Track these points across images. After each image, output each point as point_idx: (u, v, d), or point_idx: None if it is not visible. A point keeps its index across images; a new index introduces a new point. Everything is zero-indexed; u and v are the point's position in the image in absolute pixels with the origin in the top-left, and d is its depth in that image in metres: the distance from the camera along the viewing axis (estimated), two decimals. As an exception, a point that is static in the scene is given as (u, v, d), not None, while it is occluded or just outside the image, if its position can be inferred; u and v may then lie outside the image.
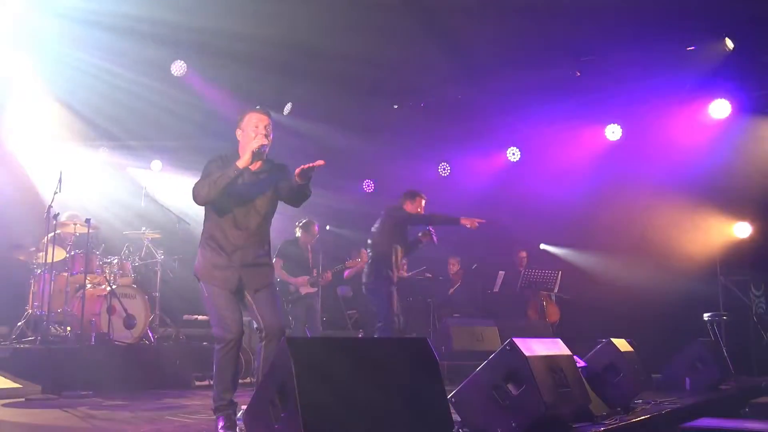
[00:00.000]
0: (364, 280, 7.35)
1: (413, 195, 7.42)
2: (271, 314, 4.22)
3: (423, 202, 7.44)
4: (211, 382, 7.25)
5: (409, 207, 7.37)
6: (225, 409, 4.14)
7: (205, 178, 4.14)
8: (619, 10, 7.93)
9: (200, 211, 4.45)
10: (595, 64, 9.29)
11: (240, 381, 7.55)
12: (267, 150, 4.21)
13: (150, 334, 8.12)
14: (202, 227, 4.37)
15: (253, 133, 4.21)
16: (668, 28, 8.25)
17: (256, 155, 4.12)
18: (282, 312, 4.35)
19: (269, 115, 4.33)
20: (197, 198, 4.13)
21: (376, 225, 7.49)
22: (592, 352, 5.43)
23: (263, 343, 4.19)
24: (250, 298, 4.26)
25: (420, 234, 7.44)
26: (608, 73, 9.30)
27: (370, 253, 7.41)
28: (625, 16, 8.02)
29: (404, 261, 10.08)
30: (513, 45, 8.87)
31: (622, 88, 9.54)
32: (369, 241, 7.47)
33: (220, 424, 4.09)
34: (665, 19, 8.06)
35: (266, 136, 4.22)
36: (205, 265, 4.25)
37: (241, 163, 4.08)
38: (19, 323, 7.50)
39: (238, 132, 4.33)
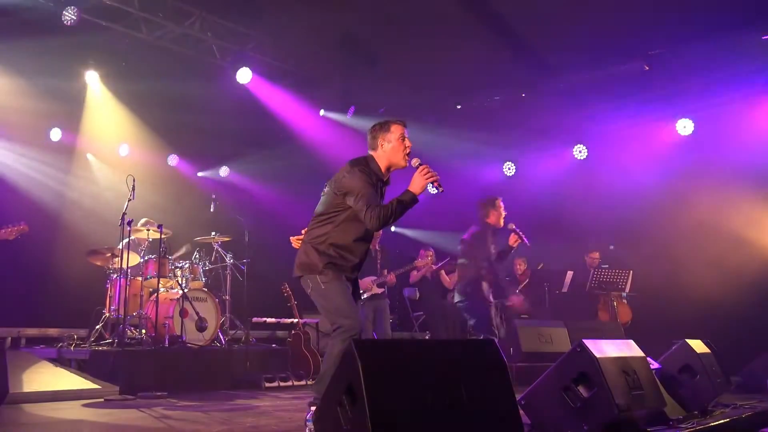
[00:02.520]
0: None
1: (492, 201, 6.84)
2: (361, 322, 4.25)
3: (501, 203, 6.86)
4: (282, 384, 7.41)
5: (492, 218, 6.81)
6: None
7: (378, 205, 4.07)
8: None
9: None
10: (664, 56, 9.02)
11: (306, 382, 7.67)
12: None
13: (221, 337, 8.29)
14: (320, 231, 4.23)
15: (401, 147, 4.22)
16: (741, 17, 7.94)
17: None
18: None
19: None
20: (380, 226, 4.07)
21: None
22: (667, 353, 5.29)
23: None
24: None
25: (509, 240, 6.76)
26: (679, 66, 9.02)
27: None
28: (696, 4, 7.76)
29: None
30: (578, 39, 8.70)
31: (693, 81, 9.23)
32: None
33: None
34: (738, 6, 7.76)
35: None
36: (333, 262, 4.16)
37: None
38: (97, 326, 7.76)
39: (384, 143, 4.25)
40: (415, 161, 4.17)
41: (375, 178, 4.18)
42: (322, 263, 4.14)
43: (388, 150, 4.22)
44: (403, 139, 4.22)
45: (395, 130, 4.24)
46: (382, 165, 4.24)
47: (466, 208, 11.18)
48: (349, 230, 4.18)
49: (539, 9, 8.24)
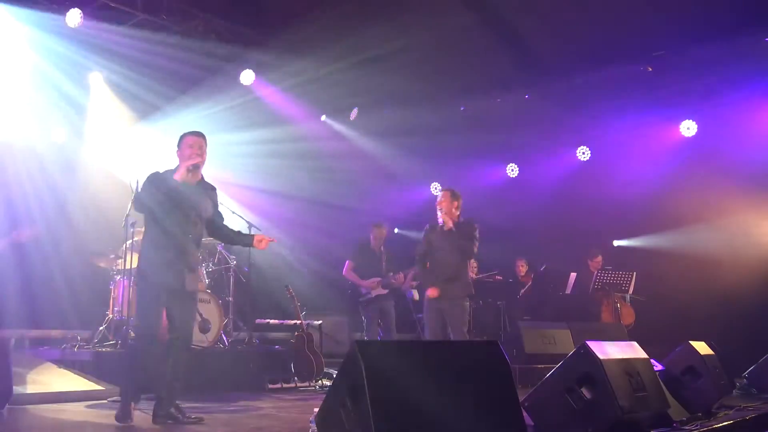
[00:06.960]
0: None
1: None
2: (186, 322, 4.90)
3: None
4: (285, 385, 7.41)
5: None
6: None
7: (144, 190, 4.82)
8: (692, 1, 7.69)
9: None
10: (667, 58, 9.01)
11: (309, 384, 7.67)
12: (200, 167, 4.91)
13: (224, 338, 8.29)
14: (145, 231, 4.95)
15: (187, 152, 4.87)
16: (744, 19, 7.93)
17: (191, 170, 4.82)
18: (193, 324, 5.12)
19: (204, 137, 4.96)
20: (136, 205, 4.86)
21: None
22: (670, 355, 5.28)
23: (169, 346, 4.84)
24: (175, 300, 4.78)
25: None
26: (682, 68, 9.02)
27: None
28: (699, 7, 7.75)
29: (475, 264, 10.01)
30: (582, 41, 8.70)
31: (697, 83, 9.23)
32: None
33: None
34: (741, 9, 7.75)
35: (199, 155, 4.88)
36: (151, 265, 4.78)
37: (178, 177, 4.79)
38: (101, 328, 7.77)
39: (177, 152, 4.94)
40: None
41: (160, 182, 4.81)
42: (150, 265, 4.80)
43: (181, 157, 4.91)
44: (191, 147, 4.87)
45: (185, 141, 4.93)
46: (180, 170, 4.87)
47: (469, 210, 11.20)
48: (163, 225, 4.79)
49: (543, 10, 8.24)
